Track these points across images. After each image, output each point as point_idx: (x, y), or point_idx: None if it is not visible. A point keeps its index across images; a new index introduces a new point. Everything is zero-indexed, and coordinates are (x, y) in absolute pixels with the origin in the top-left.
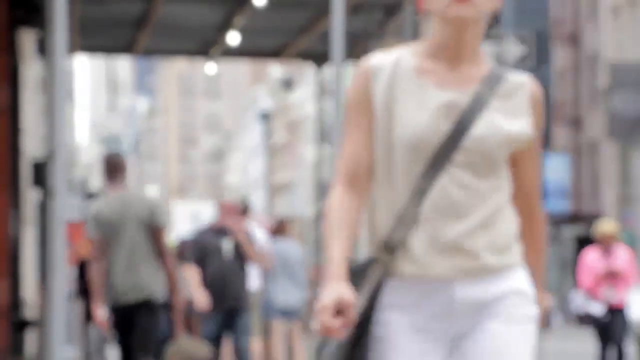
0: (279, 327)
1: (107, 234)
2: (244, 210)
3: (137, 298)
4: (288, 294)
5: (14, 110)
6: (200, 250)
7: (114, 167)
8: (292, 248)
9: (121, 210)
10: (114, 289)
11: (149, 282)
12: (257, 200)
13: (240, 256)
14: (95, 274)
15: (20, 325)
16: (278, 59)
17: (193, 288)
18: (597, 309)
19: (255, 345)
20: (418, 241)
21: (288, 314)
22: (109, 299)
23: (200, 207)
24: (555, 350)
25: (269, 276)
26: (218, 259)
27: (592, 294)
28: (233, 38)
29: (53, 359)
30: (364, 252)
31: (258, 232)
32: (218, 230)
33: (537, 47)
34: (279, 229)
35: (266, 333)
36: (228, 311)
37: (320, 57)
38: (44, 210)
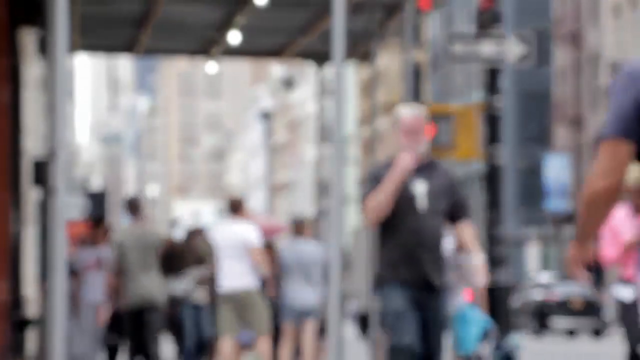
0: (288, 328)
1: (126, 257)
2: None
3: (142, 303)
4: (304, 295)
5: (15, 109)
6: None
7: (134, 207)
8: (309, 248)
9: (138, 240)
10: (128, 296)
11: (152, 292)
12: (258, 200)
13: (440, 206)
14: (114, 286)
15: (20, 324)
16: (279, 59)
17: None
18: (626, 294)
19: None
20: None
21: (303, 314)
22: (123, 304)
23: (200, 206)
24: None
25: (285, 277)
26: (410, 211)
27: (620, 272)
28: (234, 37)
29: (53, 358)
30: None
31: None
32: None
33: (538, 46)
34: (297, 229)
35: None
36: (417, 291)
37: (321, 57)
38: (44, 209)
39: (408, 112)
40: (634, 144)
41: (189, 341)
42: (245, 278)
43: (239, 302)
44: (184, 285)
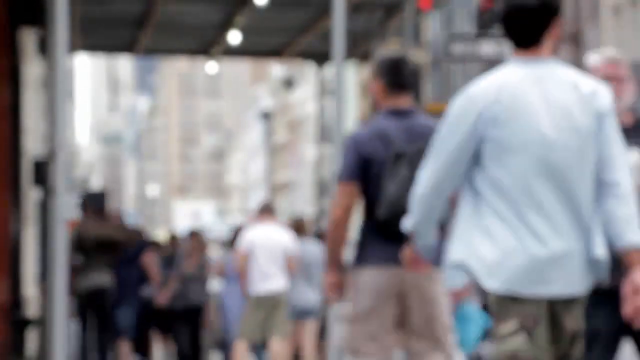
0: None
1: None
2: None
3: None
4: (305, 295)
5: (15, 110)
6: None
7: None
8: (310, 248)
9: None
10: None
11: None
12: (258, 200)
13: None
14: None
15: (20, 324)
16: (279, 58)
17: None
18: None
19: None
20: None
21: (304, 314)
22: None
23: (200, 206)
24: None
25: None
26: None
27: None
28: (234, 37)
29: (54, 358)
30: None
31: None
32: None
33: None
34: (297, 229)
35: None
36: None
37: (321, 57)
38: (44, 209)
39: (598, 57)
40: (357, 184)
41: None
42: (279, 280)
43: (271, 304)
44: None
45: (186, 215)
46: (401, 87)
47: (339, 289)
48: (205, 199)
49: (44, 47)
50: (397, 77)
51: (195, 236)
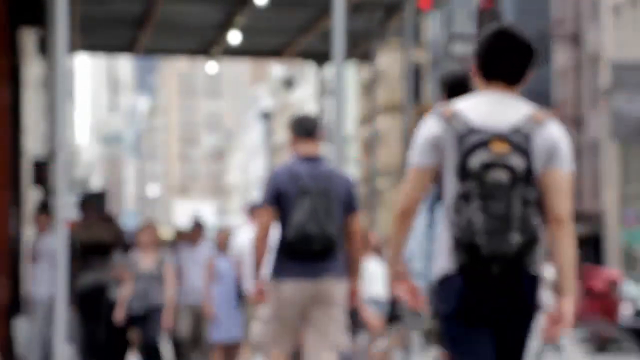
0: None
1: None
2: None
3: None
4: None
5: (15, 109)
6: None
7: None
8: None
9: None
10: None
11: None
12: (258, 200)
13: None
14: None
15: None
16: (279, 58)
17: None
18: None
19: None
20: None
21: None
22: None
23: (200, 206)
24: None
25: None
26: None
27: None
28: (234, 37)
29: (54, 359)
30: None
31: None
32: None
33: (538, 46)
34: None
35: None
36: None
37: (321, 57)
38: (44, 209)
39: None
40: (275, 209)
41: None
42: None
43: None
44: None
45: (186, 215)
46: (307, 138)
47: (263, 294)
48: (205, 199)
49: (44, 47)
50: (303, 131)
51: (150, 229)
